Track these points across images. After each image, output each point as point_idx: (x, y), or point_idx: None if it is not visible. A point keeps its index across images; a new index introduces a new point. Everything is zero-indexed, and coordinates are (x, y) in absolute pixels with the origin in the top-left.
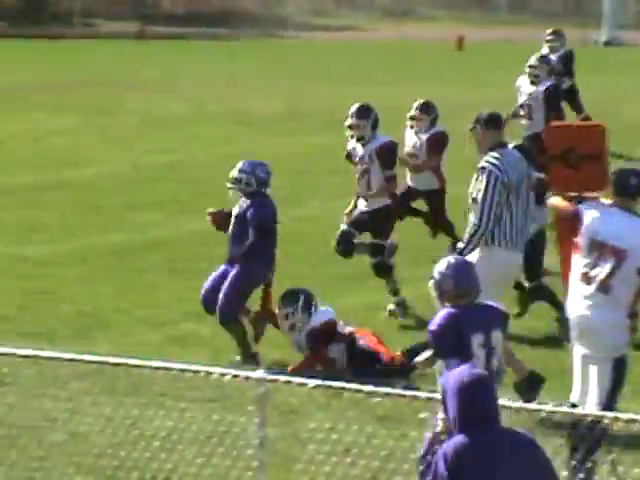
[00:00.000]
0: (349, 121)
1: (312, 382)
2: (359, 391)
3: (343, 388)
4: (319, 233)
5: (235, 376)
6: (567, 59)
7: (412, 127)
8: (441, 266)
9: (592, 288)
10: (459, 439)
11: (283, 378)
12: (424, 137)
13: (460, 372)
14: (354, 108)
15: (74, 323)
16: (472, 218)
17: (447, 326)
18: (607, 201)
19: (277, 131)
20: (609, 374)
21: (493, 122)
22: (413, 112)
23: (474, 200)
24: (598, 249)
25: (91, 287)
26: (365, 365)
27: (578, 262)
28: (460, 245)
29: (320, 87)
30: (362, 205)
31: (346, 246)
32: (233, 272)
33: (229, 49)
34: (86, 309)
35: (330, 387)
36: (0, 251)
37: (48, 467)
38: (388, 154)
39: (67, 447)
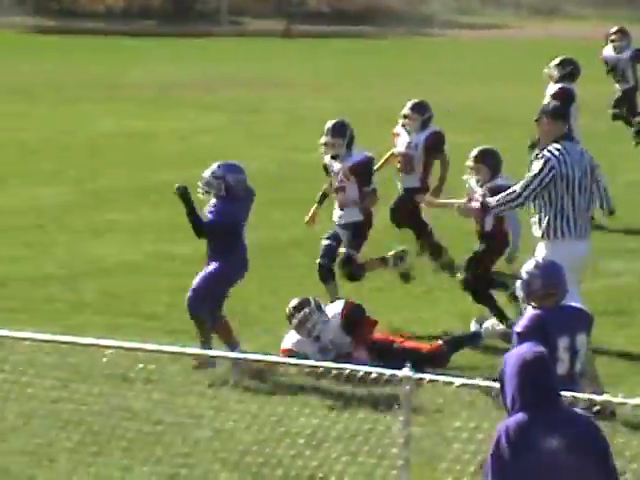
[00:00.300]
0: (323, 139)
1: (458, 381)
2: None
3: (489, 387)
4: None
5: (381, 374)
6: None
7: (404, 126)
8: (529, 266)
9: None
10: (520, 416)
11: (429, 377)
12: (421, 137)
13: (522, 350)
14: (329, 125)
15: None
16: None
17: (533, 327)
18: None
19: None
20: None
21: (559, 114)
22: (406, 111)
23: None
24: None
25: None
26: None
27: None
28: (490, 200)
29: (467, 85)
30: (336, 216)
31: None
32: (205, 269)
33: (375, 47)
34: (232, 306)
35: (476, 386)
36: (148, 249)
37: (193, 464)
38: (362, 171)
39: (212, 444)
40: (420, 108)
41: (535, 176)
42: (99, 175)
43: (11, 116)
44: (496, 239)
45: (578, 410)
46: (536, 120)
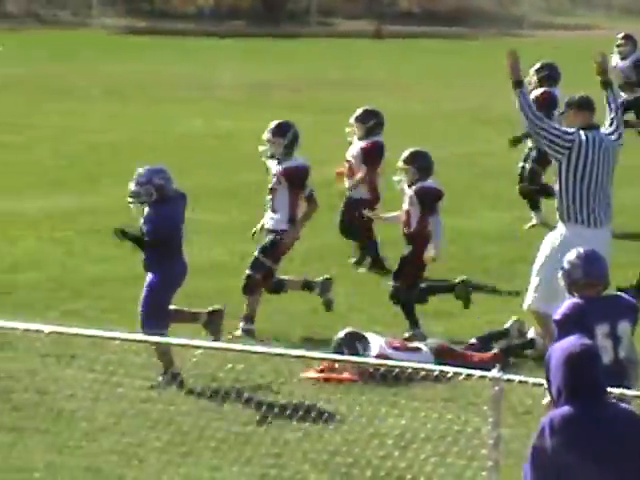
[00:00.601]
0: (264, 135)
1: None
2: None
3: None
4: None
5: (469, 375)
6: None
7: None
8: (571, 256)
9: None
10: (565, 409)
11: (518, 378)
12: (360, 145)
13: (569, 342)
14: (273, 124)
15: (307, 321)
16: None
17: (571, 316)
18: None
19: (514, 130)
20: None
21: (585, 104)
22: (350, 120)
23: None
24: None
25: None
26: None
27: None
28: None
29: (556, 85)
30: (266, 218)
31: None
32: (146, 285)
33: (466, 48)
34: (320, 307)
35: None
36: (234, 249)
37: (282, 464)
38: (294, 178)
39: (302, 445)
40: (364, 116)
41: (558, 129)
42: (188, 175)
43: (104, 117)
44: (418, 241)
45: (625, 406)
46: (560, 114)
